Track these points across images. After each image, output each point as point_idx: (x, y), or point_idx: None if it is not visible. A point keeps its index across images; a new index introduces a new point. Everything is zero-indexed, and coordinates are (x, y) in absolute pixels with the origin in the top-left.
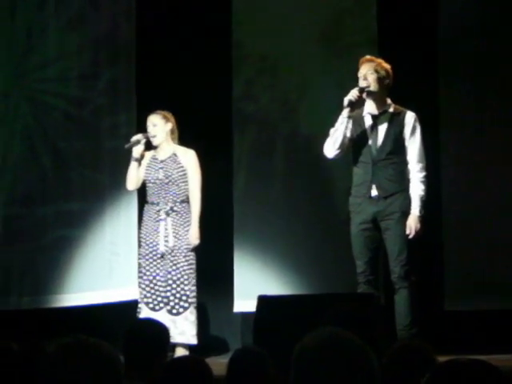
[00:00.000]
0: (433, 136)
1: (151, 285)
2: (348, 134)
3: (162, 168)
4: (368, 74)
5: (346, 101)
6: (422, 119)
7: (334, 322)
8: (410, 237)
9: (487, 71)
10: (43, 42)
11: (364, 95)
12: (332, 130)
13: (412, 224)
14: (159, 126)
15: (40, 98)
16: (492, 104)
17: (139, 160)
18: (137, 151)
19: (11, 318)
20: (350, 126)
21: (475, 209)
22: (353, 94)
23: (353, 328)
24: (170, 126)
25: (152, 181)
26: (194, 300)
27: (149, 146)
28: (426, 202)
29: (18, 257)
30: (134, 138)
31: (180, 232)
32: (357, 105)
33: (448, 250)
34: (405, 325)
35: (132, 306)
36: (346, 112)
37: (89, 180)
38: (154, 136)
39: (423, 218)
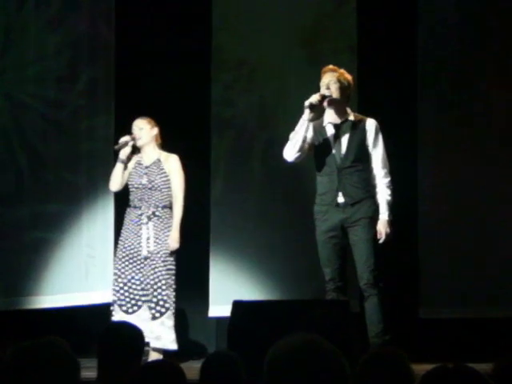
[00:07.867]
0: (411, 141)
1: (125, 287)
2: (308, 138)
3: (146, 174)
4: (331, 83)
5: (306, 103)
6: (400, 125)
7: (307, 327)
8: (381, 241)
9: (466, 79)
10: (22, 41)
11: (325, 104)
12: (292, 134)
13: (382, 229)
14: (145, 129)
15: (18, 98)
16: (471, 110)
17: (125, 162)
18: (123, 153)
19: None
20: (310, 128)
21: (451, 217)
22: (314, 98)
23: (326, 334)
24: (155, 130)
25: (135, 185)
26: (172, 305)
27: (134, 151)
28: (393, 206)
29: None
30: (122, 139)
31: (160, 237)
32: (317, 109)
33: (423, 258)
34: (377, 332)
35: (108, 308)
36: (306, 114)
37: (66, 182)
38: (140, 138)
39: (392, 222)
